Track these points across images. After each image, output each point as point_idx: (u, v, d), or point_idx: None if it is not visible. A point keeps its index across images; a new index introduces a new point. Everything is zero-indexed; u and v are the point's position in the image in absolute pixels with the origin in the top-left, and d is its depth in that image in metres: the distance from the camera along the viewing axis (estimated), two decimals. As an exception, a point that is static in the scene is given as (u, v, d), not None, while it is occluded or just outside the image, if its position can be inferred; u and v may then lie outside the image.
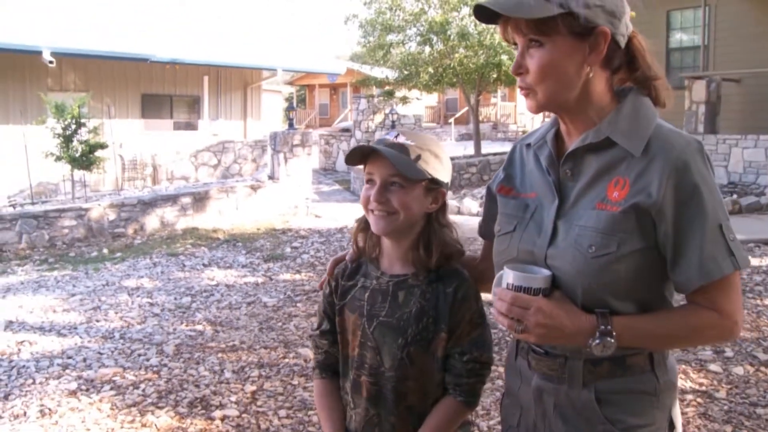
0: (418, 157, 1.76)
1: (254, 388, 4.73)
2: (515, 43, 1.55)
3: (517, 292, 1.49)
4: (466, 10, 17.21)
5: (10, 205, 13.43)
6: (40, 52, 15.60)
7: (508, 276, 1.52)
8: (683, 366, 4.79)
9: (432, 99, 33.20)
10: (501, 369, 4.08)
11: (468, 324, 1.80)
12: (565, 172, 1.59)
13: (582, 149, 1.55)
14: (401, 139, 1.78)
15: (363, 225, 1.90)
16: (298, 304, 6.89)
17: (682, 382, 4.51)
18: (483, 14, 1.54)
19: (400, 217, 1.77)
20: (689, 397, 4.35)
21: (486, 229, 1.86)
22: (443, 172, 1.82)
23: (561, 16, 1.45)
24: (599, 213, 1.49)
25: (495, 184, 1.79)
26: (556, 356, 1.59)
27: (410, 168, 1.74)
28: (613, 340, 1.45)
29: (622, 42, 1.53)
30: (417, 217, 1.81)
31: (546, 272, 1.53)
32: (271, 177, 13.38)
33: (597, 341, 1.45)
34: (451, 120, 30.85)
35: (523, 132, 28.56)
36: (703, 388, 4.49)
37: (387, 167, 1.75)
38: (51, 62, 15.95)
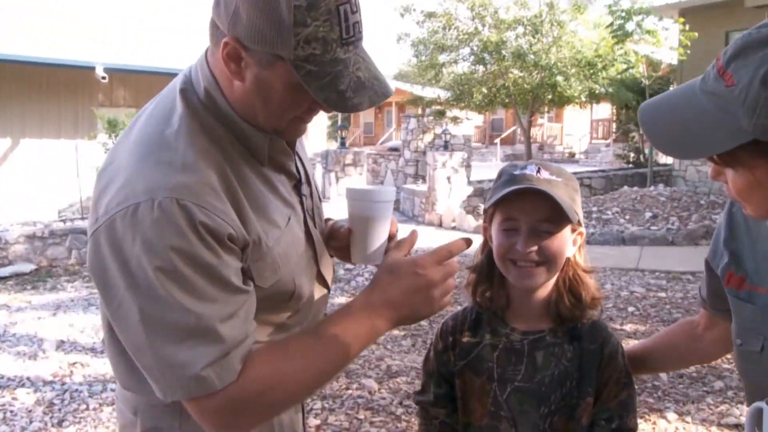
0: (571, 197, 1.50)
1: (318, 422, 4.51)
2: None
3: None
4: (521, 30, 17.01)
5: (60, 220, 13.45)
6: (93, 68, 15.74)
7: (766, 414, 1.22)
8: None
9: (479, 119, 32.99)
10: None
11: (615, 385, 1.54)
12: None
13: None
14: (546, 175, 1.49)
15: (485, 276, 1.62)
16: (357, 331, 6.67)
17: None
18: None
19: (551, 267, 1.51)
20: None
21: (711, 304, 1.56)
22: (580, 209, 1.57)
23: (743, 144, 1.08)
24: None
25: (720, 269, 1.43)
26: None
27: (571, 211, 1.47)
28: None
29: None
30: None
31: None
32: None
33: None
34: (497, 140, 30.70)
35: (570, 154, 28.08)
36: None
37: (537, 211, 1.47)
38: (104, 78, 16.08)
